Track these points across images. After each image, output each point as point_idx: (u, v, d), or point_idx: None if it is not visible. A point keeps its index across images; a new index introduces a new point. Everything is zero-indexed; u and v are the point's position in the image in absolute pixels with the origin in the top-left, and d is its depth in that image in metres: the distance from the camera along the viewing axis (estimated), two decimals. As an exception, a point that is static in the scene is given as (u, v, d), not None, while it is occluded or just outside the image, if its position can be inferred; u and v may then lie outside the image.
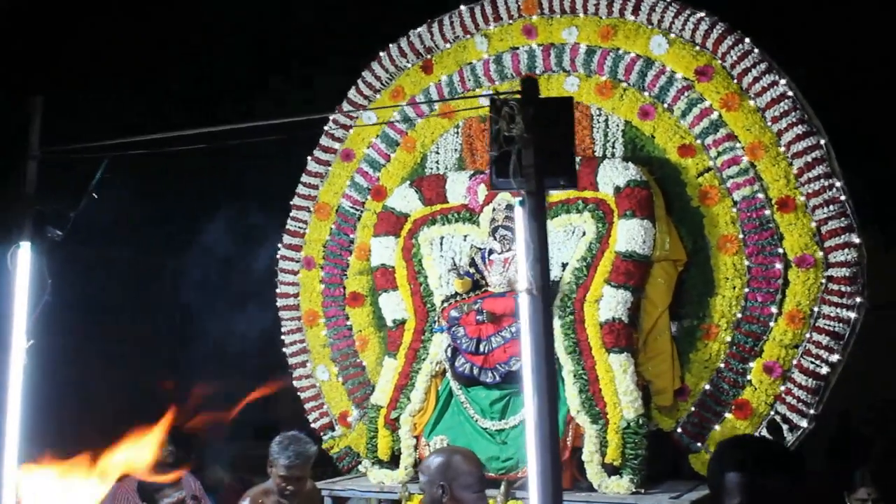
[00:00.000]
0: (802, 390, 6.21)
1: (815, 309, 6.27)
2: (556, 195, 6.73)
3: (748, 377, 6.35)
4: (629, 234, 6.31)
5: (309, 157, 7.85)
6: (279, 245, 7.88)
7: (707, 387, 6.44)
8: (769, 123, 6.43)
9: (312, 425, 7.61)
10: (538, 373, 3.43)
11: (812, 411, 6.23)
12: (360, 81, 7.73)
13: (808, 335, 6.26)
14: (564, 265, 6.61)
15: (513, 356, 6.37)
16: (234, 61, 10.36)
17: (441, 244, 7.06)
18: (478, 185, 6.92)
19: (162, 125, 4.16)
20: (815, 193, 6.29)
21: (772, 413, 6.31)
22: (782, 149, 6.39)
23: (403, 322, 7.00)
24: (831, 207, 6.26)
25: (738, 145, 6.49)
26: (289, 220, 7.87)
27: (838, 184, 6.28)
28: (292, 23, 10.32)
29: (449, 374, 6.72)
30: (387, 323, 7.12)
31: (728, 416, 6.38)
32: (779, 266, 6.34)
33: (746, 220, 6.43)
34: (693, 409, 6.46)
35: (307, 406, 7.68)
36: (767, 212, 6.38)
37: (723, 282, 6.47)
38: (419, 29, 7.56)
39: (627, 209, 6.36)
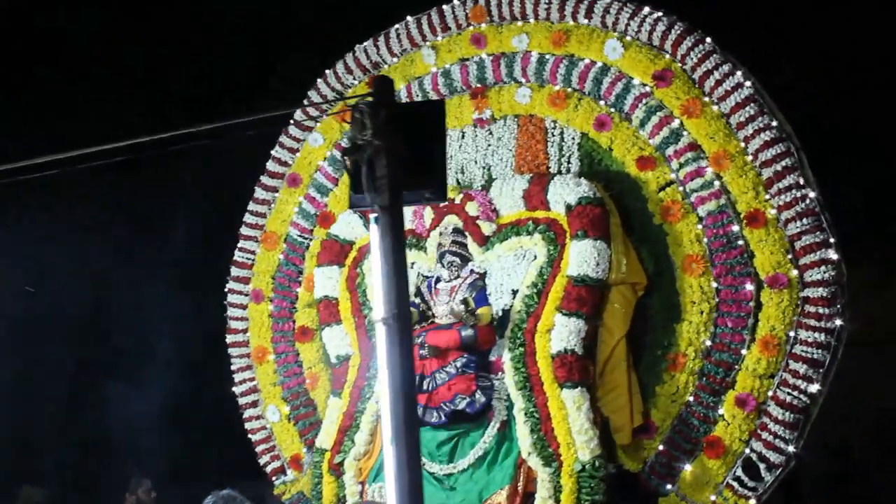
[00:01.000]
0: (779, 425, 5.58)
1: (791, 334, 5.65)
2: (506, 216, 6.20)
3: (720, 411, 5.73)
4: (581, 257, 5.75)
5: (256, 185, 7.38)
6: (227, 278, 7.41)
7: (675, 423, 5.83)
8: (734, 130, 5.86)
9: (264, 469, 7.10)
10: (397, 417, 2.91)
11: (791, 448, 5.59)
12: (305, 101, 7.27)
13: (784, 363, 5.64)
14: (515, 292, 6.05)
15: (458, 394, 5.83)
16: (234, 61, 10.03)
17: (387, 273, 6.53)
18: (424, 209, 6.40)
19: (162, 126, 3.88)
20: (787, 206, 5.68)
21: (746, 451, 5.68)
22: (749, 157, 5.80)
23: (348, 358, 6.48)
24: (805, 221, 5.64)
25: (701, 155, 5.91)
26: (236, 252, 7.40)
27: (812, 194, 5.68)
28: (292, 23, 9.96)
29: (395, 415, 6.17)
30: (331, 359, 6.61)
31: (700, 454, 5.76)
32: (750, 287, 5.73)
33: (713, 238, 5.84)
34: (661, 447, 5.85)
35: (258, 449, 7.17)
36: (735, 227, 5.79)
37: (689, 306, 5.86)
38: (365, 43, 7.09)
39: (579, 229, 5.80)
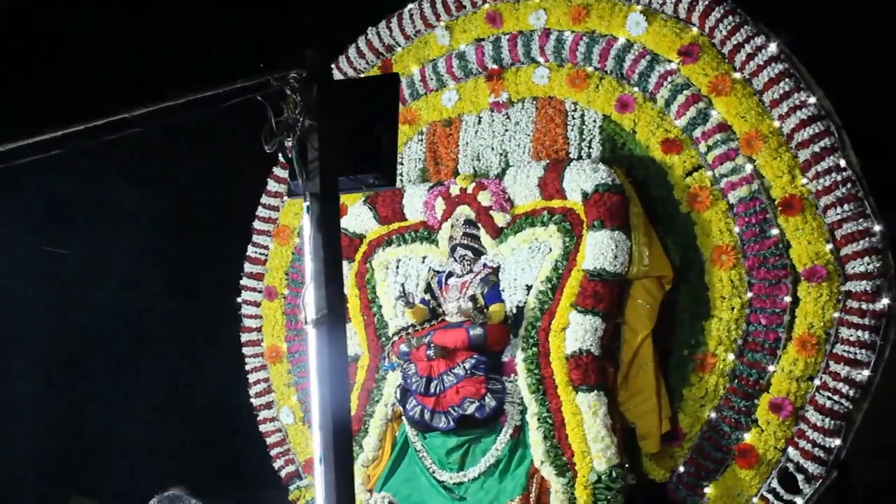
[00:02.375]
0: (818, 432, 5.06)
1: (831, 332, 5.12)
2: (521, 206, 5.78)
3: (753, 417, 5.24)
4: (597, 249, 5.30)
5: (269, 176, 7.08)
6: (241, 274, 7.13)
7: (704, 429, 5.35)
8: (768, 108, 5.33)
9: (278, 473, 6.82)
10: (327, 433, 2.55)
11: (832, 457, 5.07)
12: (318, 88, 6.92)
13: (823, 364, 5.12)
14: (529, 288, 5.62)
15: (466, 397, 5.43)
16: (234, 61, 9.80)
17: (398, 268, 6.16)
18: (435, 199, 6.00)
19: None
20: (827, 190, 5.14)
21: (782, 460, 5.17)
22: (784, 138, 5.28)
23: (356, 359, 6.13)
24: (847, 207, 5.11)
25: (731, 137, 5.40)
26: (249, 247, 7.11)
27: (854, 177, 5.13)
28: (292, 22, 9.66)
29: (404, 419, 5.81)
30: (339, 360, 6.27)
31: (731, 463, 5.27)
32: (786, 281, 5.21)
33: (745, 227, 5.33)
34: (689, 455, 5.37)
35: (272, 452, 6.88)
36: (770, 215, 5.27)
37: (718, 302, 5.37)
38: (378, 26, 6.71)
39: (596, 218, 5.35)
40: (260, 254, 7.08)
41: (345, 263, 6.18)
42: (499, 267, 5.78)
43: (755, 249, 5.29)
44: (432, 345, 5.52)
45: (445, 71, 6.41)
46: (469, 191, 5.88)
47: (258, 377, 6.98)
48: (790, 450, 5.15)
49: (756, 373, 5.24)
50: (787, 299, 5.22)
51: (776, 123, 5.29)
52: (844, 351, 5.06)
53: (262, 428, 6.93)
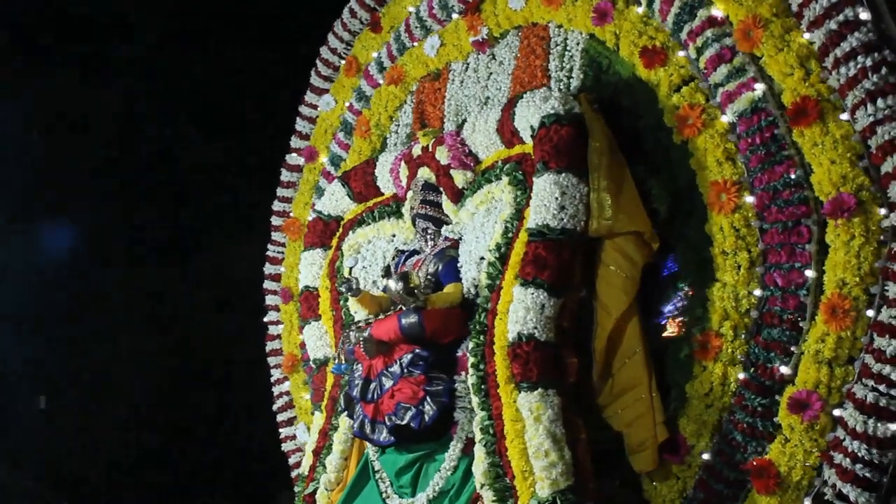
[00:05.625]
0: (861, 441, 3.38)
1: (874, 290, 3.44)
2: (485, 160, 4.57)
3: (775, 420, 3.64)
4: (538, 199, 3.99)
5: (282, 166, 6.35)
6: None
7: (715, 439, 3.82)
8: (769, -18, 3.77)
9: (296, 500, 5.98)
10: None
11: (885, 478, 3.37)
12: (318, 61, 6.10)
13: (866, 340, 3.44)
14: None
15: (401, 402, 4.28)
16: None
17: (366, 251, 5.15)
18: (399, 164, 4.94)
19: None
20: (853, 81, 3.49)
21: (817, 484, 3.53)
22: (793, 19, 3.69)
23: (326, 362, 5.17)
24: (884, 102, 3.42)
25: (726, 32, 3.88)
26: (268, 246, 6.38)
27: (893, 57, 3.44)
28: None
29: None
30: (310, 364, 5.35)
31: (750, 489, 3.70)
32: (807, 222, 3.62)
33: (749, 152, 3.78)
34: (700, 476, 3.86)
35: (293, 474, 6.06)
36: (781, 131, 3.70)
37: (720, 260, 3.85)
38: (366, -24, 5.79)
39: (539, 160, 4.05)
40: (277, 252, 6.34)
41: (318, 252, 5.35)
42: (461, 238, 4.60)
43: (764, 182, 3.73)
44: (361, 338, 4.45)
45: (428, 15, 5.34)
46: (430, 149, 4.77)
47: (280, 390, 6.21)
48: (826, 468, 3.50)
49: (776, 357, 3.66)
50: (811, 248, 3.60)
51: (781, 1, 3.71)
52: (893, 319, 3.36)
53: (283, 448, 6.15)
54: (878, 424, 3.34)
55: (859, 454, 3.37)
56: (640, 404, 3.95)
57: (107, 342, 7.60)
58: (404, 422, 4.25)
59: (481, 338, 4.14)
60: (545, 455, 3.73)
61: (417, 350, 4.31)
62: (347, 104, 5.87)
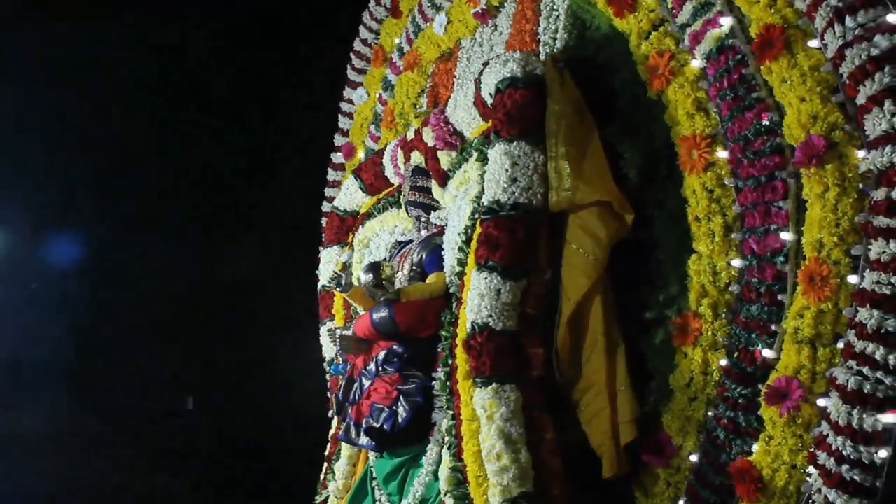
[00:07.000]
0: (845, 436, 2.75)
1: (857, 252, 2.80)
2: (470, 138, 4.20)
3: (759, 413, 3.05)
4: (490, 174, 3.58)
5: (328, 165, 6.19)
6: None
7: (700, 437, 3.26)
8: None
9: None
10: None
11: (876, 481, 2.72)
12: (352, 55, 5.91)
13: (849, 313, 2.81)
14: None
15: (375, 404, 3.97)
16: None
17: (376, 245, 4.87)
18: (397, 150, 4.65)
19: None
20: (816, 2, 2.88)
21: (806, 489, 2.91)
22: (757, -66, 3.11)
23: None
24: (856, 19, 2.79)
25: (692, -39, 3.34)
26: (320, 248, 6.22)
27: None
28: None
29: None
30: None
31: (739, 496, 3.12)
32: (782, 174, 3.02)
33: (720, 97, 3.21)
34: (689, 479, 3.30)
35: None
36: (749, 70, 3.12)
37: (695, 227, 3.29)
38: (389, -37, 5.55)
39: (492, 130, 3.64)
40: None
41: (335, 249, 5.15)
42: (447, 224, 4.24)
43: (735, 132, 3.15)
44: (339, 336, 4.17)
45: (439, -9, 5.04)
46: (420, 131, 4.45)
47: (334, 396, 6.03)
48: (812, 470, 2.88)
49: (757, 338, 3.07)
50: (788, 206, 3.00)
51: (744, -86, 3.14)
52: (876, 285, 2.71)
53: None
54: (864, 415, 2.71)
55: (844, 452, 2.74)
56: (599, 400, 3.44)
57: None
58: (378, 424, 3.93)
59: (451, 330, 3.77)
60: (497, 458, 3.31)
61: (393, 346, 3.99)
62: (377, 95, 5.65)
